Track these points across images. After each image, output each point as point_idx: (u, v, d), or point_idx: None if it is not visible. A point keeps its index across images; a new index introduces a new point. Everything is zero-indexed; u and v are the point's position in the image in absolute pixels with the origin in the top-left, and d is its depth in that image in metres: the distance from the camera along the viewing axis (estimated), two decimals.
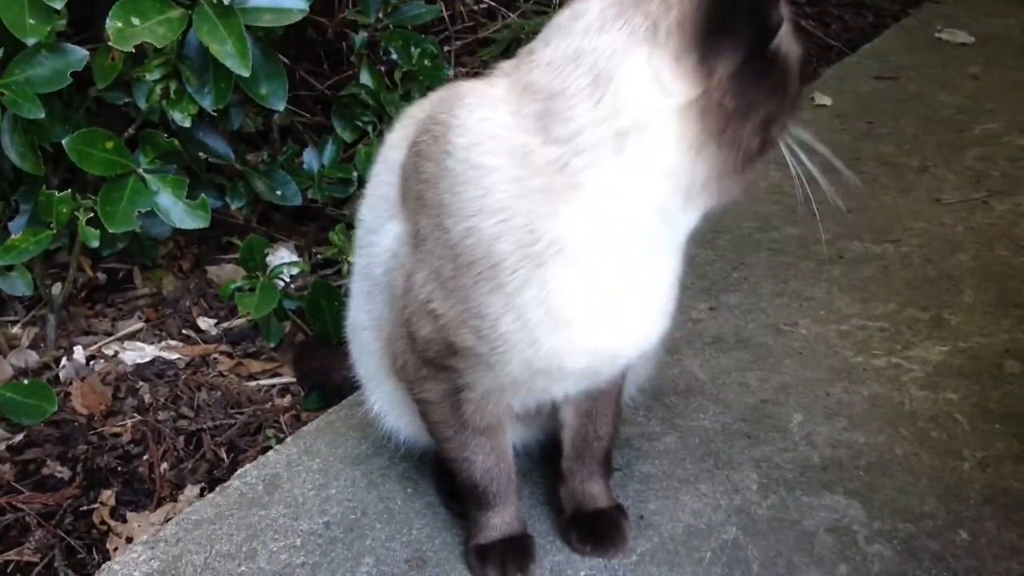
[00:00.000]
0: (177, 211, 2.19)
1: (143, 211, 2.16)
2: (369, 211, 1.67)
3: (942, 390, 2.12)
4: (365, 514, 1.81)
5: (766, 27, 1.27)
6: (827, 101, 3.45)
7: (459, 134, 1.39)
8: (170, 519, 1.91)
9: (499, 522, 1.68)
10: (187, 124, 2.19)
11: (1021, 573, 1.67)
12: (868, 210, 2.79)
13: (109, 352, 2.46)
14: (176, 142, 2.21)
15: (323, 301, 2.31)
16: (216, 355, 2.48)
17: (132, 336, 2.52)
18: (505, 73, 1.43)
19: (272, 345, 2.47)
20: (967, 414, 2.04)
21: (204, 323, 2.58)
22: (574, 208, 1.34)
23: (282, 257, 2.69)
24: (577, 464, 1.75)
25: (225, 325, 2.58)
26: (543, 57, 1.36)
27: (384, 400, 1.76)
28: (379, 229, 1.61)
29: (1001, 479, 1.87)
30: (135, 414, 2.28)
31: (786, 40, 1.32)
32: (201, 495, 2.05)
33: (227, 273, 2.70)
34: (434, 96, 1.63)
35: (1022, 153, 3.14)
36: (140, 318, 2.58)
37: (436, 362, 1.52)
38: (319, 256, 2.73)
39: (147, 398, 2.33)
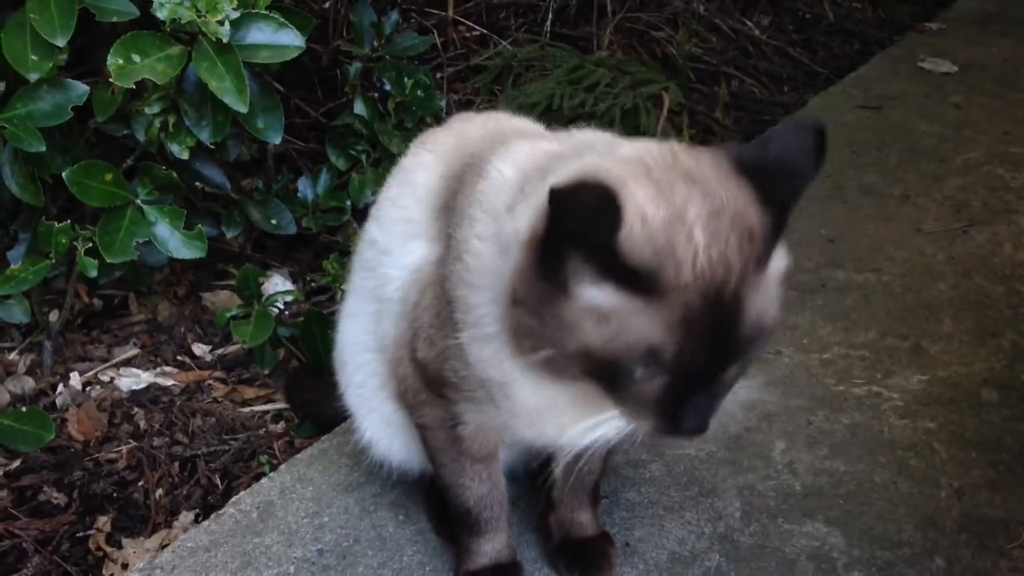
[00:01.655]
0: (174, 241, 2.24)
1: (141, 241, 2.20)
2: (383, 232, 1.66)
3: (921, 419, 2.17)
4: (358, 541, 1.85)
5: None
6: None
7: (488, 182, 1.44)
8: (165, 545, 1.94)
9: (489, 549, 1.72)
10: (185, 156, 2.23)
11: None
12: (851, 239, 2.84)
13: (105, 378, 2.49)
14: (174, 174, 2.25)
15: (315, 329, 2.36)
16: (211, 381, 2.51)
17: (128, 363, 2.55)
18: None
19: (266, 372, 2.51)
20: (945, 442, 2.10)
21: (199, 349, 2.62)
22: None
23: (276, 284, 2.74)
24: (567, 494, 1.79)
25: (220, 351, 2.62)
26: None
27: (376, 426, 1.79)
28: (395, 250, 1.62)
29: (976, 507, 1.93)
30: (130, 440, 2.32)
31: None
32: (196, 521, 2.08)
33: (222, 300, 2.74)
34: (471, 123, 1.68)
35: (1002, 183, 3.21)
36: (135, 344, 2.61)
37: (433, 387, 1.56)
38: (313, 283, 2.78)
39: (142, 424, 2.37)
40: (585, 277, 1.20)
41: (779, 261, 1.29)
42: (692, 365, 1.21)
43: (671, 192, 1.21)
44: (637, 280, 1.18)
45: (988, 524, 1.88)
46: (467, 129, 1.66)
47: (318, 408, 2.25)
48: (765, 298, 1.24)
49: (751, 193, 1.22)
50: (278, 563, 1.80)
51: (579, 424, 1.44)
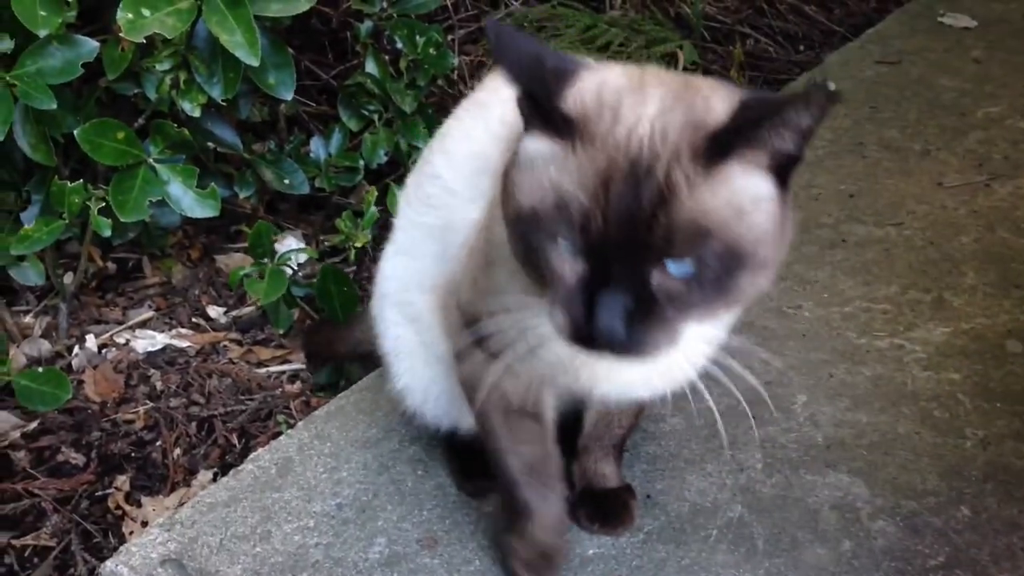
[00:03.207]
0: (187, 200, 2.22)
1: (154, 200, 2.19)
2: (451, 168, 1.59)
3: (944, 370, 2.14)
4: (377, 496, 1.84)
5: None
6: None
7: None
8: (184, 503, 1.94)
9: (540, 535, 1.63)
10: (196, 114, 2.21)
11: (1022, 547, 1.70)
12: (871, 194, 2.80)
13: (120, 340, 2.49)
14: (186, 132, 2.23)
15: (332, 287, 2.35)
16: (226, 343, 2.51)
17: (143, 325, 2.55)
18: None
19: (281, 332, 2.50)
20: (969, 393, 2.07)
21: (214, 311, 2.61)
22: None
23: (289, 245, 2.72)
24: (595, 444, 1.78)
25: (234, 313, 2.61)
26: None
27: (412, 372, 1.75)
28: (462, 190, 1.55)
29: (1002, 456, 1.90)
30: (147, 401, 2.31)
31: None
32: (214, 480, 2.08)
33: (235, 262, 2.72)
34: None
35: None
36: (150, 307, 2.61)
37: (477, 338, 1.47)
38: (326, 244, 2.76)
39: (159, 385, 2.36)
40: (527, 127, 1.22)
41: (757, 184, 1.19)
42: (602, 234, 1.13)
43: (645, 78, 1.22)
44: (570, 128, 1.16)
45: (1014, 473, 1.86)
46: None
47: (331, 347, 2.25)
48: (714, 200, 1.15)
49: (729, 109, 1.17)
50: (297, 517, 1.80)
51: (611, 374, 1.42)
